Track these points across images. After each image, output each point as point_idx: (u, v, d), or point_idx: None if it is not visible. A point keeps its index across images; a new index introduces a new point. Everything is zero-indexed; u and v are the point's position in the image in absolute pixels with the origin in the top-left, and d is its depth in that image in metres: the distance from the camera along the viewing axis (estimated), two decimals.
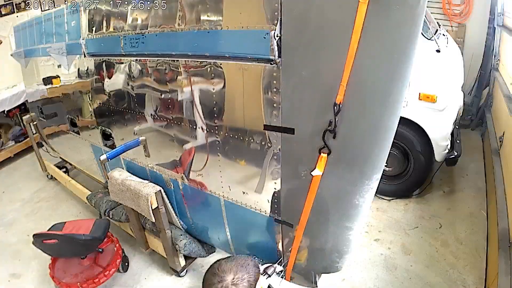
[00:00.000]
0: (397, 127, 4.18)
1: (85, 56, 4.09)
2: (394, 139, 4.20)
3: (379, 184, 4.51)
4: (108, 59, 3.75)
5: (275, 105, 2.36)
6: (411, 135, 4.58)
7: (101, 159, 3.49)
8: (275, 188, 2.68)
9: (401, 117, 4.09)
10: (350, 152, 2.25)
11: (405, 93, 2.05)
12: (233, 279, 2.34)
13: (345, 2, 1.86)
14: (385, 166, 4.74)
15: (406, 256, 4.20)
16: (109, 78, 3.83)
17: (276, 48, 2.20)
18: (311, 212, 2.53)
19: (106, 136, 4.37)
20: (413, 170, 4.85)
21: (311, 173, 2.34)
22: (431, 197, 5.25)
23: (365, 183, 2.32)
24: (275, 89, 2.31)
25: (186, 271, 4.14)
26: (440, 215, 4.85)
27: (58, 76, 5.03)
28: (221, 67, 2.61)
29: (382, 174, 4.58)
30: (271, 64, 2.27)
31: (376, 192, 4.64)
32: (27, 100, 7.15)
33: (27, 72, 6.15)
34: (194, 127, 3.02)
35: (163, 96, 3.23)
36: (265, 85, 2.37)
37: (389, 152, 4.44)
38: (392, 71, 1.94)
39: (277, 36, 2.16)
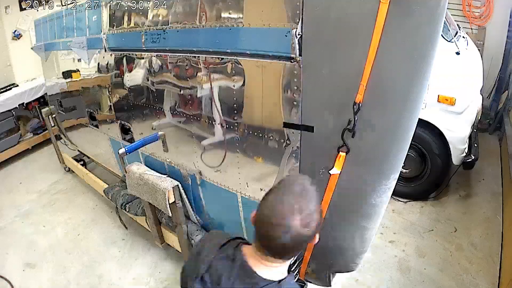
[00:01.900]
0: (415, 128, 4.16)
1: (106, 50, 4.13)
2: (412, 140, 4.19)
3: (396, 186, 4.52)
4: (129, 54, 3.78)
5: (295, 102, 2.36)
6: (429, 137, 4.56)
7: (120, 153, 3.53)
8: None
9: (419, 119, 4.07)
10: (369, 151, 2.24)
11: (424, 94, 2.05)
12: (302, 219, 1.51)
13: (366, 2, 1.87)
14: (402, 167, 4.73)
15: (420, 259, 4.19)
16: (129, 72, 3.86)
17: (297, 46, 2.21)
18: (328, 210, 2.51)
19: (125, 130, 4.41)
20: (430, 172, 4.83)
21: (329, 171, 2.33)
22: (447, 200, 5.22)
23: (383, 183, 2.31)
24: (295, 87, 2.32)
25: None
26: (455, 219, 4.83)
27: (78, 70, 5.08)
28: (241, 64, 2.62)
29: (399, 175, 4.58)
30: (291, 62, 2.28)
31: (392, 194, 4.64)
32: (46, 93, 7.23)
33: (47, 66, 6.21)
34: (213, 123, 3.04)
35: (182, 92, 3.25)
36: (285, 83, 2.38)
37: (407, 154, 4.44)
38: (412, 71, 1.93)
39: (298, 34, 2.17)
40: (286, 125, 2.47)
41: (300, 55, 2.22)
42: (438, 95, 4.27)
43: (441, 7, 1.73)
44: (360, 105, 2.05)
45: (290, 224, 1.50)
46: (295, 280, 3.18)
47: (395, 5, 1.77)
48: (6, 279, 4.49)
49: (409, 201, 5.09)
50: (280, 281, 1.62)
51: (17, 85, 8.14)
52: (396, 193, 4.90)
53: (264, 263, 1.63)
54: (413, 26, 1.82)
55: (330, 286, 3.08)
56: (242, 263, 1.65)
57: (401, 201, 5.08)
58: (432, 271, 3.99)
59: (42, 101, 8.09)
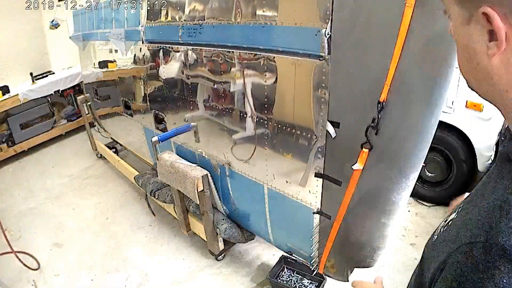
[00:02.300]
0: (443, 133, 4.17)
1: (143, 42, 4.27)
2: (439, 145, 4.20)
3: (420, 189, 4.51)
4: (165, 46, 3.91)
5: (323, 99, 2.45)
6: (455, 143, 4.54)
7: (153, 141, 3.67)
8: (317, 180, 2.74)
9: (447, 124, 4.09)
10: (391, 149, 2.31)
11: (446, 96, 2.12)
12: None
13: (392, 5, 1.95)
14: (428, 171, 4.75)
15: None
16: (165, 65, 4.00)
17: (326, 45, 2.29)
18: (349, 205, 2.59)
19: (159, 120, 4.54)
20: (455, 178, 4.79)
21: (352, 166, 2.40)
22: None
23: (403, 181, 2.37)
24: (323, 84, 2.41)
25: (224, 255, 4.27)
26: None
27: (114, 61, 5.27)
28: (273, 61, 2.72)
29: (424, 179, 4.58)
30: (320, 60, 2.36)
31: (416, 197, 4.64)
32: (81, 82, 7.43)
33: (84, 55, 6.41)
34: (245, 118, 3.16)
35: (216, 86, 3.36)
36: (314, 80, 2.46)
37: (433, 158, 4.47)
38: (434, 74, 2.01)
39: (327, 34, 2.26)
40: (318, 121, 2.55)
41: (329, 54, 2.31)
42: (467, 101, 4.23)
43: None
44: (384, 104, 2.13)
45: None
46: (314, 274, 3.27)
47: (419, 9, 1.85)
48: (33, 257, 4.69)
49: (433, 205, 5.02)
50: None
51: (53, 73, 8.37)
52: (420, 197, 4.96)
53: None
54: (436, 30, 1.90)
55: (348, 281, 3.10)
56: None
57: (425, 205, 5.03)
58: None
59: (77, 89, 8.33)
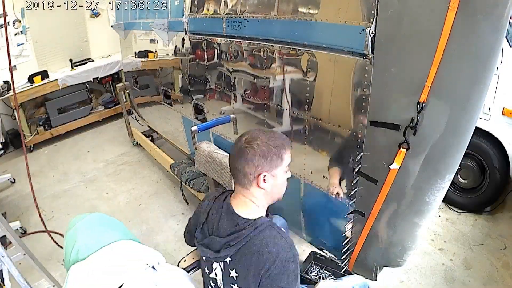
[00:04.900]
0: (478, 140, 4.13)
1: (186, 33, 4.33)
2: (473, 151, 4.16)
3: (452, 195, 4.48)
4: (209, 38, 3.94)
5: (364, 97, 2.47)
6: (490, 150, 4.49)
7: (192, 130, 3.74)
8: (353, 177, 2.75)
9: (483, 130, 4.04)
10: (427, 150, 2.31)
11: (484, 100, 2.14)
12: (246, 138, 2.08)
13: (435, 8, 1.97)
14: (461, 178, 4.71)
15: (466, 270, 4.16)
16: (208, 56, 4.04)
17: (370, 44, 2.31)
18: (383, 203, 2.60)
19: (198, 111, 4.59)
20: (488, 185, 4.73)
21: (389, 166, 2.41)
22: (501, 217, 5.06)
23: (438, 182, 2.39)
24: (365, 82, 2.43)
25: None
26: (507, 236, 4.71)
27: (155, 50, 5.35)
28: (315, 57, 2.75)
29: (457, 185, 4.55)
30: (363, 58, 2.39)
31: (448, 203, 4.60)
32: (120, 70, 7.58)
33: (125, 44, 6.49)
34: (283, 112, 3.20)
35: (257, 79, 3.40)
36: (356, 78, 2.49)
37: (466, 164, 4.45)
38: (473, 77, 2.03)
39: (372, 33, 2.28)
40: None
41: (372, 52, 2.32)
42: (503, 108, 4.17)
43: (505, 18, 1.83)
44: (423, 104, 2.14)
45: (238, 139, 2.09)
46: (343, 270, 3.30)
47: (461, 13, 1.87)
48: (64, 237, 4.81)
49: (464, 212, 4.96)
50: (256, 219, 2.04)
51: (93, 60, 8.51)
52: (452, 203, 4.92)
53: (238, 198, 2.13)
54: (477, 34, 1.91)
55: (376, 280, 3.13)
56: (227, 207, 2.13)
57: (456, 211, 4.98)
58: (476, 284, 3.97)
59: (115, 77, 8.50)
